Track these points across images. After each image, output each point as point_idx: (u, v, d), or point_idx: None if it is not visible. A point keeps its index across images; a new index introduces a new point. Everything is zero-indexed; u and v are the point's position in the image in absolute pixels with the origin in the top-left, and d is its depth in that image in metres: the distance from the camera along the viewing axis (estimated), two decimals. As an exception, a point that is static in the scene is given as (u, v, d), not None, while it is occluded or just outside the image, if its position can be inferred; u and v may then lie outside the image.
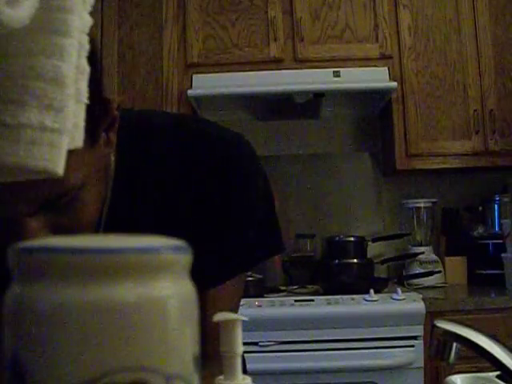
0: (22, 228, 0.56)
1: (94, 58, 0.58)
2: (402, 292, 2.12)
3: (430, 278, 2.47)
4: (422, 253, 2.57)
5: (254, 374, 0.47)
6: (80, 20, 0.47)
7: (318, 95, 2.51)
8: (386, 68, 2.48)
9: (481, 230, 2.62)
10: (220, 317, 0.43)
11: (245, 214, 0.79)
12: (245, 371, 1.04)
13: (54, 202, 0.57)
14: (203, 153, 0.77)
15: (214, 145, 0.77)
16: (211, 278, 0.77)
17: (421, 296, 2.12)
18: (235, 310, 0.82)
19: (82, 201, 0.59)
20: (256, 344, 2.01)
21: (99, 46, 0.63)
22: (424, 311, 2.05)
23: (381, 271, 2.64)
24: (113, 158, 0.71)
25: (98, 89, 0.60)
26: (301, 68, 2.48)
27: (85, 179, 0.58)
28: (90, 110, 0.57)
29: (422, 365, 2.03)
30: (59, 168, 0.46)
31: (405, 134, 2.48)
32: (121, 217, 0.72)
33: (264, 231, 0.83)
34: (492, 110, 2.47)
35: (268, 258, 0.85)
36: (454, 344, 0.66)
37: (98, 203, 0.63)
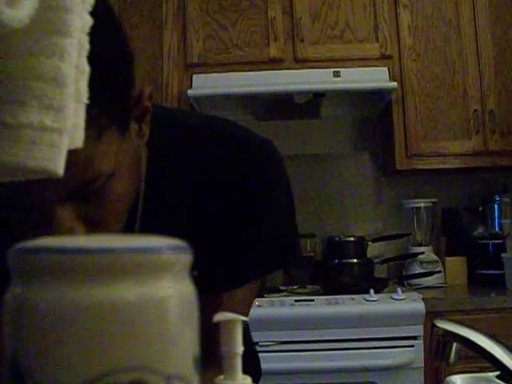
0: (51, 216, 0.55)
1: (124, 43, 0.59)
2: (402, 292, 2.12)
3: (430, 278, 2.47)
4: (422, 253, 2.57)
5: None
6: (80, 20, 0.47)
7: (318, 95, 2.51)
8: (386, 68, 2.48)
9: (481, 230, 2.62)
10: (220, 317, 0.43)
11: (266, 221, 0.79)
12: (259, 371, 1.04)
13: (82, 189, 0.55)
14: (231, 156, 0.76)
15: (241, 149, 0.77)
16: (227, 281, 0.78)
17: (421, 296, 2.12)
18: (246, 315, 0.82)
19: (111, 190, 0.58)
20: (256, 344, 2.01)
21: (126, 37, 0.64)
22: (424, 311, 2.05)
23: (381, 271, 2.64)
24: (144, 154, 0.70)
25: (129, 74, 0.60)
26: (301, 68, 2.48)
27: (115, 168, 0.57)
28: (121, 99, 0.57)
29: (422, 365, 2.03)
30: (59, 168, 0.46)
31: (405, 134, 2.48)
32: (152, 213, 0.72)
33: (283, 240, 0.83)
34: (492, 110, 2.47)
35: (283, 266, 0.86)
36: (454, 344, 0.66)
37: (128, 195, 0.62)
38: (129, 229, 0.66)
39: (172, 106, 2.47)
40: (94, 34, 0.49)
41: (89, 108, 0.50)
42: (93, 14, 0.48)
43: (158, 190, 0.73)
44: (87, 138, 0.51)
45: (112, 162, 0.56)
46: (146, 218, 0.71)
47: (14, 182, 0.47)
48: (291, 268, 2.63)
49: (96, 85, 0.49)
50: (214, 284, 0.76)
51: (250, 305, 0.84)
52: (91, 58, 0.49)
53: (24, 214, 0.56)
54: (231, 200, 0.76)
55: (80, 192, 0.56)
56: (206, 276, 0.76)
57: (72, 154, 0.47)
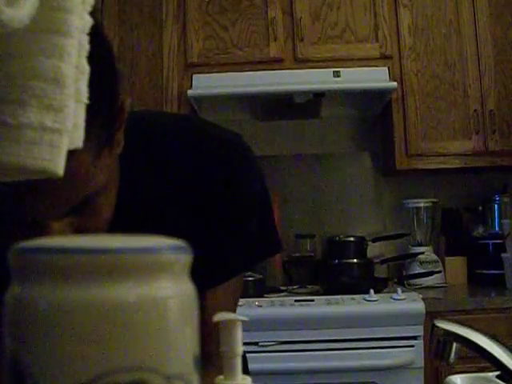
0: (45, 230, 0.56)
1: (109, 62, 0.59)
2: (402, 292, 2.12)
3: (430, 278, 2.47)
4: (422, 253, 2.57)
5: (254, 374, 0.47)
6: (80, 20, 0.47)
7: (318, 95, 2.51)
8: (386, 68, 2.48)
9: (481, 230, 2.62)
10: (220, 317, 0.43)
11: (243, 215, 0.80)
12: (247, 371, 1.04)
13: (81, 204, 0.57)
14: (204, 154, 0.77)
15: (214, 146, 0.78)
16: (211, 278, 0.78)
17: (421, 296, 2.12)
18: (233, 310, 0.82)
19: (103, 202, 0.60)
20: (256, 344, 2.01)
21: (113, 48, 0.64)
22: (424, 311, 2.05)
23: (381, 271, 2.64)
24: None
25: (116, 92, 0.60)
26: (301, 68, 2.48)
27: (107, 181, 0.59)
28: (108, 114, 0.58)
29: (422, 365, 2.03)
30: (59, 168, 0.46)
31: (405, 134, 2.48)
32: (124, 218, 0.72)
33: (262, 232, 0.83)
34: (492, 110, 2.47)
35: (266, 258, 0.86)
36: (454, 344, 0.66)
37: (112, 205, 0.64)
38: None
39: (172, 106, 2.47)
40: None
41: (91, 126, 0.50)
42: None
43: (133, 194, 0.73)
44: (90, 155, 0.52)
45: (106, 176, 0.58)
46: (121, 223, 0.71)
47: (13, 196, 0.48)
48: (291, 268, 2.63)
49: (97, 103, 0.49)
50: (197, 281, 0.76)
51: (235, 301, 0.85)
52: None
53: (19, 227, 0.57)
54: (207, 197, 0.76)
55: (78, 207, 0.57)
56: (191, 272, 0.76)
57: (73, 171, 0.48)
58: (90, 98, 0.48)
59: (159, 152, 0.77)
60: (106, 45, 0.59)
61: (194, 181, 0.76)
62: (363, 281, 2.45)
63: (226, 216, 0.78)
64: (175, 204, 0.76)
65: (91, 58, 0.49)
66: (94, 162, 0.55)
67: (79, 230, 0.59)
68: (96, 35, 0.51)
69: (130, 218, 0.73)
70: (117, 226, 0.71)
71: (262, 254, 0.85)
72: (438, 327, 0.66)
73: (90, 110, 0.48)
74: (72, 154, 0.47)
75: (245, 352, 1.07)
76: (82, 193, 0.55)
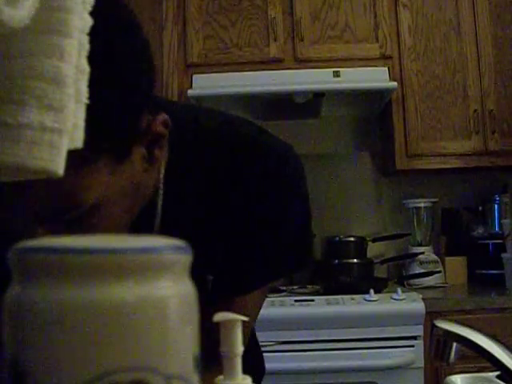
0: (31, 235, 0.55)
1: (150, 71, 0.59)
2: (402, 292, 2.12)
3: (430, 278, 2.47)
4: (422, 253, 2.57)
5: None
6: (80, 20, 0.47)
7: (318, 95, 2.51)
8: (386, 68, 2.48)
9: (481, 230, 2.62)
10: (220, 317, 0.43)
11: (281, 227, 0.79)
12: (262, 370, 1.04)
13: (62, 214, 0.56)
14: (251, 162, 0.76)
15: (262, 154, 0.77)
16: (241, 285, 0.79)
17: (421, 296, 2.12)
18: (256, 318, 0.83)
19: (99, 218, 0.58)
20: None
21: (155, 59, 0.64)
22: (424, 311, 2.05)
23: (381, 271, 2.64)
24: (162, 171, 0.70)
25: (134, 107, 0.59)
26: (301, 68, 2.48)
27: (104, 197, 0.57)
28: (120, 130, 0.57)
29: (422, 365, 2.03)
30: (59, 168, 0.46)
31: (405, 134, 2.48)
32: (170, 225, 0.71)
33: (298, 244, 0.83)
34: (492, 110, 2.47)
35: (295, 272, 0.86)
36: (454, 344, 0.66)
37: (122, 220, 0.62)
38: None
39: (172, 105, 2.47)
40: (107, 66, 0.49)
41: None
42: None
43: (176, 199, 0.73)
44: (73, 167, 0.50)
45: (97, 193, 0.56)
46: (165, 227, 0.71)
47: None
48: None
49: (91, 117, 0.49)
50: (229, 288, 0.77)
51: (259, 308, 0.85)
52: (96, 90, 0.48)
53: (4, 229, 0.56)
54: (249, 206, 0.76)
55: (60, 216, 0.56)
56: (220, 280, 0.76)
57: (51, 181, 0.47)
58: None
59: (206, 156, 0.75)
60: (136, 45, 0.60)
61: (238, 189, 0.75)
62: (363, 281, 2.45)
63: (266, 225, 0.78)
64: (217, 211, 0.75)
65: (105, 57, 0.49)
66: (78, 176, 0.53)
67: None
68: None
69: (173, 222, 0.72)
70: (163, 227, 0.71)
71: (292, 268, 0.86)
72: (437, 327, 0.66)
73: None
74: None
75: (262, 351, 1.07)
76: (61, 203, 0.54)
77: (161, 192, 0.71)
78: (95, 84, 0.48)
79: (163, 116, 0.64)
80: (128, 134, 0.59)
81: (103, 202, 0.57)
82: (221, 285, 0.77)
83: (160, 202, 0.71)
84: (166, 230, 0.69)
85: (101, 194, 0.57)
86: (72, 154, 0.47)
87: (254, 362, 0.91)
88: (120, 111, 0.56)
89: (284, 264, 0.83)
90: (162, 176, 0.71)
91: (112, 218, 0.60)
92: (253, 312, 0.80)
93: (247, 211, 0.76)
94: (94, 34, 0.47)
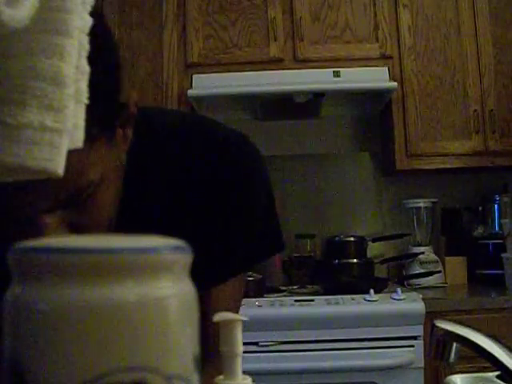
0: (39, 225, 0.56)
1: (112, 54, 0.59)
2: (402, 292, 2.12)
3: (430, 278, 2.47)
4: (422, 253, 2.57)
5: (254, 374, 0.47)
6: (80, 20, 0.47)
7: (318, 95, 2.51)
8: (386, 68, 2.48)
9: (481, 230, 2.62)
10: (220, 317, 0.43)
11: (246, 213, 0.80)
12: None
13: (73, 198, 0.56)
14: (208, 153, 0.77)
15: (219, 145, 0.78)
16: (212, 277, 0.78)
17: (421, 296, 2.12)
18: (236, 310, 0.83)
19: (99, 198, 0.59)
20: (256, 344, 2.01)
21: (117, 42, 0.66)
22: (424, 311, 2.05)
23: (381, 271, 2.64)
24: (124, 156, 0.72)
25: (118, 84, 0.60)
26: (301, 68, 2.48)
27: (103, 175, 0.58)
28: (110, 108, 0.58)
29: (422, 365, 2.03)
30: (59, 168, 0.46)
31: (405, 134, 2.48)
32: (128, 215, 0.72)
33: (265, 231, 0.83)
34: (492, 109, 2.47)
35: (268, 257, 0.86)
36: (454, 344, 0.66)
37: (114, 201, 0.63)
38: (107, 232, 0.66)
39: (172, 106, 2.47)
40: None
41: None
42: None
43: (137, 192, 0.73)
44: (80, 148, 0.51)
45: (100, 171, 0.57)
46: (125, 221, 0.71)
47: (4, 189, 0.48)
48: (291, 268, 2.63)
49: (90, 93, 0.49)
50: (199, 280, 0.77)
51: (239, 300, 0.85)
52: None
53: (12, 220, 0.57)
54: (211, 195, 0.77)
55: (70, 201, 0.56)
56: (193, 272, 0.76)
57: (69, 162, 0.47)
58: None
59: (165, 152, 0.77)
60: (106, 34, 0.59)
61: (200, 180, 0.77)
62: (363, 281, 2.45)
63: (231, 214, 0.78)
64: (180, 203, 0.76)
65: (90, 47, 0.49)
66: (85, 155, 0.54)
67: (73, 226, 0.58)
68: (97, 25, 0.51)
69: (134, 217, 0.73)
70: (121, 225, 0.71)
71: (265, 253, 0.86)
72: (437, 327, 0.66)
73: None
74: None
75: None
76: (72, 186, 0.55)
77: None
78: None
79: (135, 96, 0.65)
80: (115, 110, 0.61)
81: (103, 181, 0.58)
82: (193, 277, 0.77)
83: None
84: (126, 221, 0.69)
85: (103, 172, 0.58)
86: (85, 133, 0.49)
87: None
88: (107, 92, 0.57)
89: (254, 251, 0.83)
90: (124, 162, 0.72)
91: (109, 198, 0.61)
92: (231, 303, 0.80)
93: (210, 201, 0.77)
94: None
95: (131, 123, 0.66)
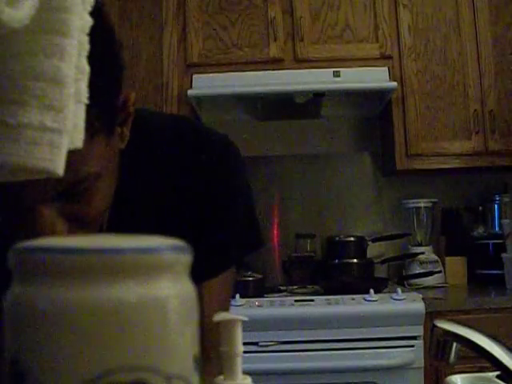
0: (36, 215, 0.57)
1: (114, 54, 0.61)
2: (402, 292, 2.12)
3: (430, 278, 2.47)
4: (422, 253, 2.57)
5: (254, 374, 0.47)
6: (80, 20, 0.47)
7: (318, 95, 2.51)
8: (386, 68, 2.48)
9: (481, 230, 2.62)
10: (220, 317, 0.43)
11: (227, 211, 0.83)
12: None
13: (70, 189, 0.58)
14: (197, 151, 0.81)
15: (205, 144, 0.82)
16: (200, 272, 0.78)
17: (421, 296, 2.12)
18: (225, 307, 0.84)
19: (96, 191, 0.61)
20: (256, 344, 2.01)
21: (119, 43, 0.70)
22: (424, 311, 2.05)
23: (381, 271, 2.64)
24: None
25: (118, 83, 0.63)
26: (301, 68, 2.48)
27: (101, 169, 0.60)
28: (112, 104, 0.61)
29: (422, 365, 2.03)
30: (59, 168, 0.46)
31: (405, 134, 2.48)
32: (122, 212, 0.75)
33: (245, 228, 0.87)
34: (492, 110, 2.47)
35: (248, 254, 0.89)
36: (454, 344, 0.66)
37: (110, 195, 0.65)
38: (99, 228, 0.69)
39: (172, 106, 2.47)
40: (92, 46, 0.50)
41: (86, 111, 0.51)
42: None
43: (126, 189, 0.75)
44: (85, 139, 0.52)
45: (99, 164, 0.59)
46: (115, 216, 0.74)
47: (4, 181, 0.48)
48: (291, 268, 2.63)
49: (92, 90, 0.50)
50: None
51: (226, 297, 0.87)
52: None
53: (11, 211, 0.58)
54: (195, 193, 0.80)
55: (68, 192, 0.58)
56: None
57: (69, 154, 0.48)
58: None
59: (157, 150, 0.80)
60: (107, 32, 0.61)
61: (183, 179, 0.80)
62: (363, 281, 2.45)
63: (210, 212, 0.82)
64: (168, 199, 0.80)
65: (90, 44, 0.50)
66: (85, 147, 0.55)
67: (70, 217, 0.60)
68: (97, 22, 0.51)
69: (127, 213, 0.75)
70: (115, 220, 0.73)
71: (244, 251, 0.89)
72: (437, 327, 0.66)
73: None
74: None
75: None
76: (71, 177, 0.56)
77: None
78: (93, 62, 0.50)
79: (134, 96, 0.68)
80: (116, 108, 0.63)
81: (101, 174, 0.60)
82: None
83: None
84: (116, 218, 0.72)
85: (102, 165, 0.60)
86: (85, 126, 0.51)
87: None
88: (109, 88, 0.60)
89: (238, 247, 0.86)
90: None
91: (105, 191, 0.63)
92: (217, 302, 0.81)
93: (195, 199, 0.80)
94: None
95: (129, 123, 0.68)
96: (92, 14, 0.52)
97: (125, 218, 0.74)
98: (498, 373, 0.68)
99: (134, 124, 0.74)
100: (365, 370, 2.01)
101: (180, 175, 0.80)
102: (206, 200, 0.81)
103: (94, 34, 0.49)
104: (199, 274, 0.78)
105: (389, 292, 2.19)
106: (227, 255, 0.85)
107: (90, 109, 0.51)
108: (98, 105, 0.55)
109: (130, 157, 0.75)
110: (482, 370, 0.76)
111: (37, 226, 0.57)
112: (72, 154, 0.51)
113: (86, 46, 0.48)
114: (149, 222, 0.76)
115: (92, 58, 0.49)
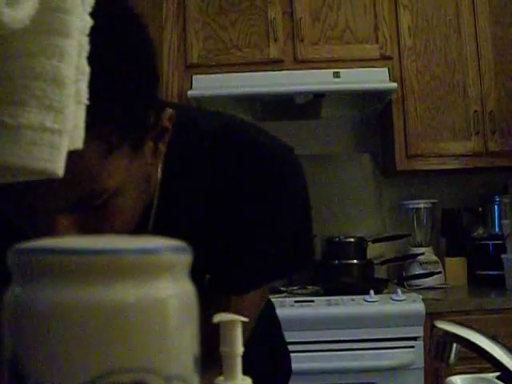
0: (51, 225, 0.56)
1: (152, 65, 0.60)
2: (402, 293, 2.12)
3: (430, 278, 2.47)
4: (422, 253, 2.57)
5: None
6: (80, 21, 0.47)
7: (318, 96, 2.51)
8: (386, 69, 2.48)
9: (481, 230, 2.62)
10: (220, 317, 0.43)
11: (280, 229, 0.80)
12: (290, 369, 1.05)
13: (85, 202, 0.57)
14: (250, 164, 0.76)
15: (261, 155, 0.77)
16: (239, 285, 0.79)
17: (421, 297, 2.12)
18: (255, 318, 0.83)
19: (114, 206, 0.59)
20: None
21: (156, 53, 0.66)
22: (424, 312, 2.05)
23: (381, 272, 2.64)
24: (160, 166, 0.70)
25: (151, 98, 0.60)
26: (301, 69, 2.48)
27: (121, 186, 0.58)
28: (137, 120, 0.58)
29: (422, 366, 2.03)
30: (59, 169, 0.46)
31: (405, 135, 2.48)
32: (165, 223, 0.72)
33: (298, 246, 0.84)
34: (492, 110, 2.47)
35: (297, 272, 0.88)
36: (454, 345, 0.66)
37: (133, 210, 0.63)
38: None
39: (172, 106, 2.47)
40: (122, 57, 0.50)
41: (101, 126, 0.51)
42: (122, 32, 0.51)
43: (173, 198, 0.73)
44: (95, 154, 0.52)
45: (118, 180, 0.57)
46: (160, 226, 0.71)
47: (19, 188, 0.48)
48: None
49: (112, 104, 0.50)
50: (226, 287, 0.78)
51: (258, 309, 0.86)
52: (114, 78, 0.50)
53: (25, 219, 0.57)
54: (248, 206, 0.76)
55: (82, 204, 0.57)
56: (220, 279, 0.77)
57: (78, 168, 0.48)
58: (92, 97, 0.48)
59: (205, 160, 0.75)
60: (147, 41, 0.60)
61: (237, 191, 0.76)
62: (363, 282, 2.45)
63: (264, 228, 0.78)
64: (215, 213, 0.76)
65: (122, 54, 0.50)
66: (100, 163, 0.54)
67: (88, 230, 0.58)
68: (139, 33, 0.51)
69: (169, 225, 0.72)
70: (162, 224, 0.71)
71: (293, 268, 0.87)
72: (437, 328, 0.66)
73: (92, 110, 0.48)
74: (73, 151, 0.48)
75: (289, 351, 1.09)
76: (82, 191, 0.55)
77: (157, 191, 0.72)
78: (110, 74, 0.50)
79: (170, 111, 0.65)
80: (144, 123, 0.60)
81: (122, 190, 0.58)
82: (218, 284, 0.78)
83: (156, 201, 0.72)
84: (160, 229, 0.70)
85: (121, 181, 0.58)
86: (101, 141, 0.50)
87: (277, 362, 0.93)
88: (141, 100, 0.58)
89: (283, 265, 0.83)
90: (159, 175, 0.71)
91: (126, 208, 0.61)
92: (251, 312, 0.80)
93: (245, 211, 0.76)
94: (98, 30, 0.48)
95: (164, 139, 0.65)
96: (132, 25, 0.53)
97: (166, 226, 0.71)
98: (498, 374, 0.68)
99: (182, 126, 0.72)
100: (365, 370, 2.01)
101: (230, 187, 0.75)
102: (258, 218, 0.77)
103: (132, 42, 0.49)
104: (241, 285, 0.78)
105: (389, 293, 2.19)
106: (271, 271, 0.83)
107: (108, 123, 0.50)
108: (117, 119, 0.54)
109: (177, 165, 0.73)
110: (482, 370, 0.76)
111: (52, 235, 0.56)
112: (86, 167, 0.51)
113: (86, 47, 0.48)
114: (191, 231, 0.68)
115: (127, 69, 0.49)
